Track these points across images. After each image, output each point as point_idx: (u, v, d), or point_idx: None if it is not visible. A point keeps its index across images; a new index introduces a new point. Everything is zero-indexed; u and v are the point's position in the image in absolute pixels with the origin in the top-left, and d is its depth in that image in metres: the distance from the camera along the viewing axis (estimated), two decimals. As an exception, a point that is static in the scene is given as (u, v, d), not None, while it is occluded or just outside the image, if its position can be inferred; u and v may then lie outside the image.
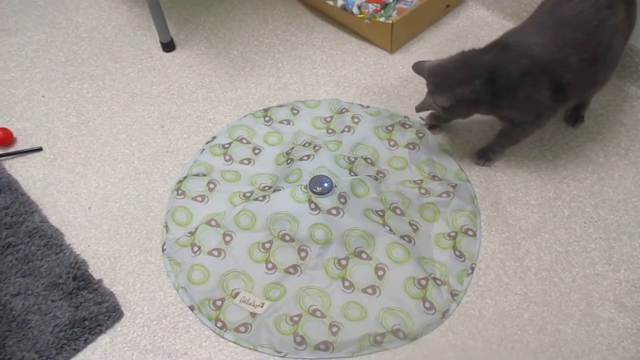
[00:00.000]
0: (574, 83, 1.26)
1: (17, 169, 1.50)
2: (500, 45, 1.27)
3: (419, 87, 1.67)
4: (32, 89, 1.70)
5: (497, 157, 1.47)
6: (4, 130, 1.54)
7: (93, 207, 1.42)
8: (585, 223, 1.37)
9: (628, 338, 1.19)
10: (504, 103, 1.28)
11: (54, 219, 1.40)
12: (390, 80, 1.70)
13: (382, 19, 1.73)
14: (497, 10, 1.86)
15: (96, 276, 1.29)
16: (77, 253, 1.33)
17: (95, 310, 1.23)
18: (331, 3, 1.80)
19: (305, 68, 1.74)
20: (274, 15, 1.91)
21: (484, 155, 1.46)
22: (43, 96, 1.68)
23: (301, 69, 1.73)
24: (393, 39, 1.73)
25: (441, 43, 1.79)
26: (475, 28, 1.83)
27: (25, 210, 1.40)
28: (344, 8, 1.77)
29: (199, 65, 1.75)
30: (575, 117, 1.52)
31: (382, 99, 1.64)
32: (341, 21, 1.85)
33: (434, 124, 1.55)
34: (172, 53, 1.79)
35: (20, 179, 1.48)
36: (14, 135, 1.57)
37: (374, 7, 1.75)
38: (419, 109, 1.37)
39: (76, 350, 1.18)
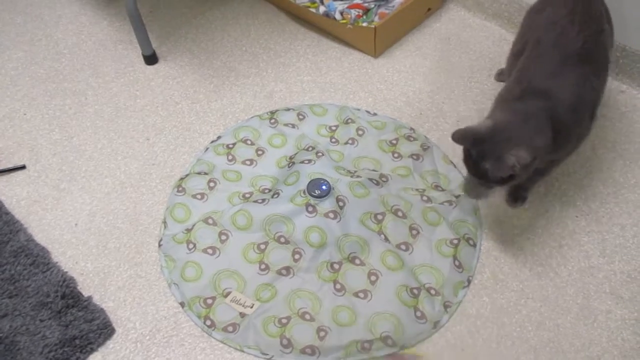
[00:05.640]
0: (599, 102, 1.26)
1: (0, 188, 1.47)
2: (540, 94, 1.17)
3: (405, 90, 1.67)
4: (13, 107, 1.67)
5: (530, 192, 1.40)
6: (-14, 149, 1.51)
7: (80, 224, 1.39)
8: (577, 217, 1.37)
9: (627, 329, 1.18)
10: (557, 147, 1.18)
11: (39, 237, 1.36)
12: (375, 84, 1.70)
13: (364, 24, 1.73)
14: (478, 12, 1.87)
15: (85, 293, 1.26)
16: (65, 270, 1.30)
17: (86, 328, 1.20)
18: (313, 10, 1.80)
19: (290, 75, 1.73)
20: (256, 24, 1.90)
21: (519, 197, 1.36)
22: (25, 114, 1.65)
23: (286, 77, 1.73)
24: (377, 43, 1.73)
25: (425, 46, 1.80)
26: (457, 30, 1.84)
27: (9, 229, 1.37)
28: (326, 14, 1.78)
29: (183, 77, 1.74)
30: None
31: (368, 102, 1.64)
32: (324, 28, 1.85)
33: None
34: (155, 66, 1.78)
35: (4, 198, 1.44)
36: (-4, 154, 1.54)
37: (356, 13, 1.76)
38: (496, 176, 1.11)
39: (67, 370, 1.15)
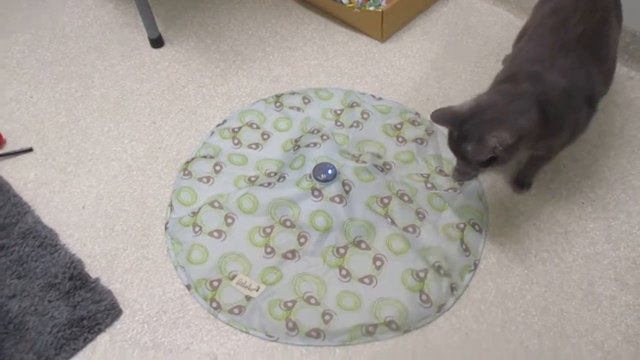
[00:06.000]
0: (600, 93, 1.25)
1: (7, 170, 1.48)
2: (530, 76, 1.15)
3: (412, 75, 1.66)
4: (20, 90, 1.68)
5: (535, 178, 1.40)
6: (-7, 132, 1.52)
7: (87, 206, 1.40)
8: (583, 203, 1.37)
9: (631, 315, 1.18)
10: (550, 132, 1.15)
11: (47, 220, 1.37)
12: (382, 68, 1.69)
13: (371, 8, 1.72)
14: (486, -4, 1.86)
15: (93, 275, 1.27)
16: (73, 252, 1.31)
17: (94, 309, 1.21)
18: (320, -6, 1.79)
19: (296, 60, 1.72)
20: (263, 8, 1.89)
21: (524, 183, 1.38)
22: (31, 97, 1.66)
23: (292, 61, 1.72)
24: (384, 27, 1.72)
25: (432, 30, 1.79)
26: (464, 14, 1.83)
27: (17, 211, 1.38)
28: (333, -2, 1.76)
29: (189, 61, 1.74)
30: None
31: (374, 87, 1.64)
32: (331, 12, 1.84)
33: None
34: (161, 49, 1.78)
35: (12, 181, 1.45)
36: (3, 136, 1.54)
37: (363, -4, 1.74)
38: (476, 158, 1.08)
39: (76, 350, 1.16)
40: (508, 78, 1.19)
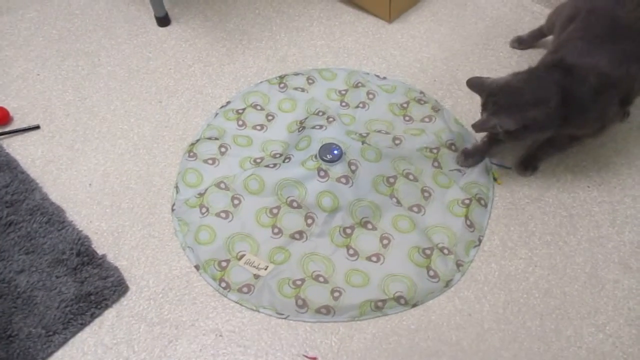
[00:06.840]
0: (637, 91, 1.25)
1: (15, 147, 1.48)
2: (563, 66, 1.19)
3: (419, 56, 1.65)
4: (27, 67, 1.68)
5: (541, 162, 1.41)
6: (1, 109, 1.52)
7: (94, 184, 1.41)
8: (588, 187, 1.36)
9: (633, 298, 1.19)
10: (572, 123, 1.20)
11: (54, 196, 1.38)
12: (389, 49, 1.68)
13: (379, -12, 1.71)
14: (496, -23, 1.84)
15: (100, 252, 1.29)
16: (80, 229, 1.32)
17: (101, 284, 1.23)
18: (328, -27, 1.77)
19: (303, 40, 1.71)
20: (270, -13, 1.88)
21: (530, 166, 1.38)
22: (38, 74, 1.66)
23: (299, 41, 1.71)
24: (392, 8, 1.71)
25: (440, 11, 1.77)
26: (474, -5, 1.81)
27: (25, 188, 1.39)
28: (341, -23, 1.75)
29: (195, 40, 1.73)
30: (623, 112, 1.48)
31: (381, 68, 1.63)
32: (338, -9, 1.83)
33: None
34: (168, 27, 1.77)
35: (19, 158, 1.46)
36: (11, 114, 1.55)
37: (372, -24, 1.73)
38: (478, 128, 1.21)
39: (83, 325, 1.18)
40: (548, 64, 1.23)
